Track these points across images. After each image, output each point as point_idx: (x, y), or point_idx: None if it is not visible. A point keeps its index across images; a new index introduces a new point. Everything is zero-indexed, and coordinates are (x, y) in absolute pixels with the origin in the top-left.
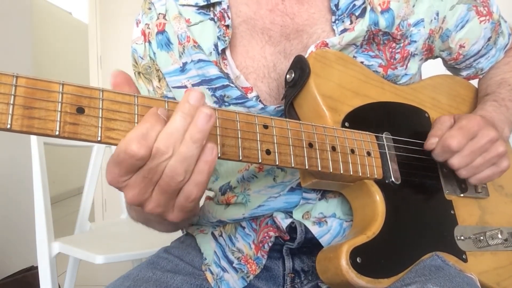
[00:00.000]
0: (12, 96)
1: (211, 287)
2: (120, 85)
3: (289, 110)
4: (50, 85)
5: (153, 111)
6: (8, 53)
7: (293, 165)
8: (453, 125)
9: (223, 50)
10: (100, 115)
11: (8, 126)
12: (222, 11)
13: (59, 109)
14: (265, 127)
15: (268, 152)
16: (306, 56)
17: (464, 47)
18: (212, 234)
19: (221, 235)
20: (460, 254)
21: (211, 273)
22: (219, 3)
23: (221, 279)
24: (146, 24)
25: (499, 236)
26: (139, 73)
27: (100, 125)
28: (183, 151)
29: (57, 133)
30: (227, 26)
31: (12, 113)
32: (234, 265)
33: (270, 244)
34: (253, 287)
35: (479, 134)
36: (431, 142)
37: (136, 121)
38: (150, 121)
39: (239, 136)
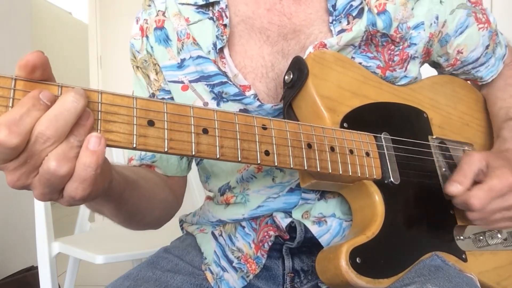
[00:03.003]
0: (11, 100)
1: (211, 286)
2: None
3: (287, 111)
4: (48, 88)
5: (32, 94)
6: (8, 53)
7: (292, 166)
8: (483, 172)
9: (221, 49)
10: (99, 118)
11: None
12: (220, 10)
13: None
14: (264, 128)
15: (267, 153)
16: (304, 57)
17: (462, 53)
18: (212, 233)
19: (221, 235)
20: (459, 254)
21: (211, 272)
22: (218, 3)
23: (221, 279)
24: (144, 19)
25: (499, 235)
26: (137, 67)
27: (98, 127)
28: (71, 138)
29: None
30: (225, 26)
31: None
32: (234, 264)
33: (270, 244)
34: (253, 287)
35: (506, 196)
36: (452, 189)
37: (135, 122)
38: (26, 106)
39: (238, 138)
